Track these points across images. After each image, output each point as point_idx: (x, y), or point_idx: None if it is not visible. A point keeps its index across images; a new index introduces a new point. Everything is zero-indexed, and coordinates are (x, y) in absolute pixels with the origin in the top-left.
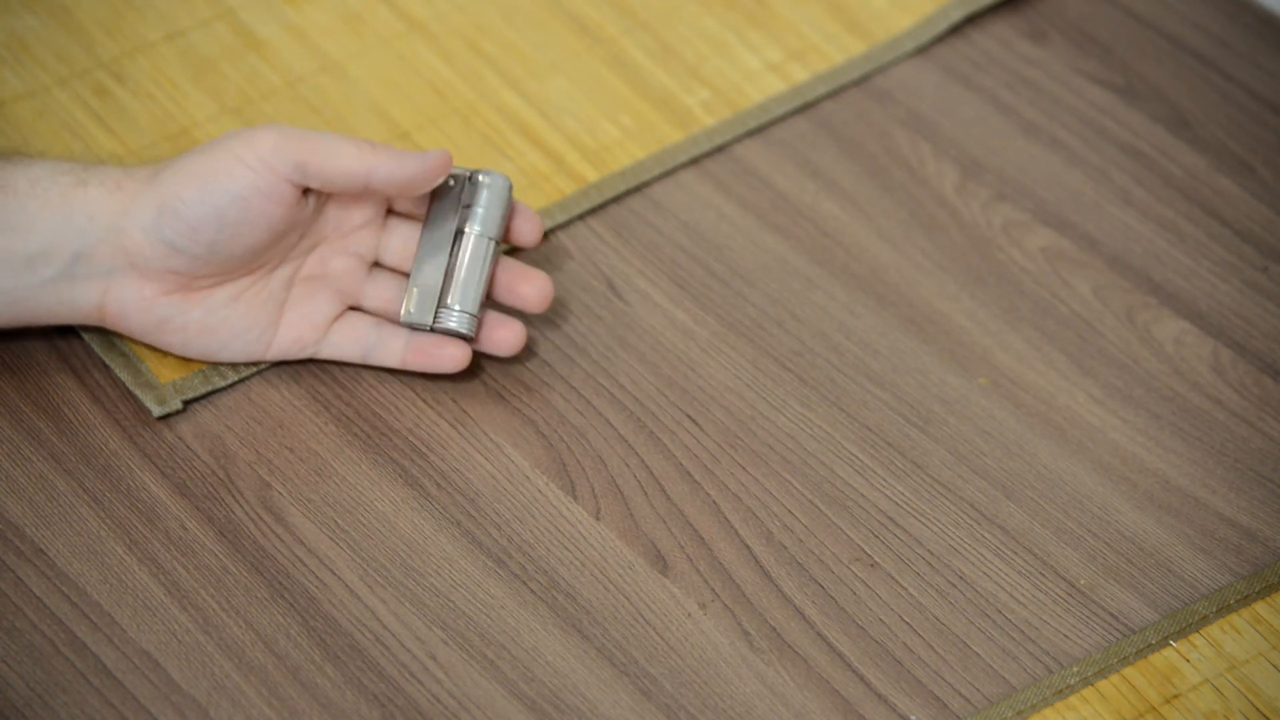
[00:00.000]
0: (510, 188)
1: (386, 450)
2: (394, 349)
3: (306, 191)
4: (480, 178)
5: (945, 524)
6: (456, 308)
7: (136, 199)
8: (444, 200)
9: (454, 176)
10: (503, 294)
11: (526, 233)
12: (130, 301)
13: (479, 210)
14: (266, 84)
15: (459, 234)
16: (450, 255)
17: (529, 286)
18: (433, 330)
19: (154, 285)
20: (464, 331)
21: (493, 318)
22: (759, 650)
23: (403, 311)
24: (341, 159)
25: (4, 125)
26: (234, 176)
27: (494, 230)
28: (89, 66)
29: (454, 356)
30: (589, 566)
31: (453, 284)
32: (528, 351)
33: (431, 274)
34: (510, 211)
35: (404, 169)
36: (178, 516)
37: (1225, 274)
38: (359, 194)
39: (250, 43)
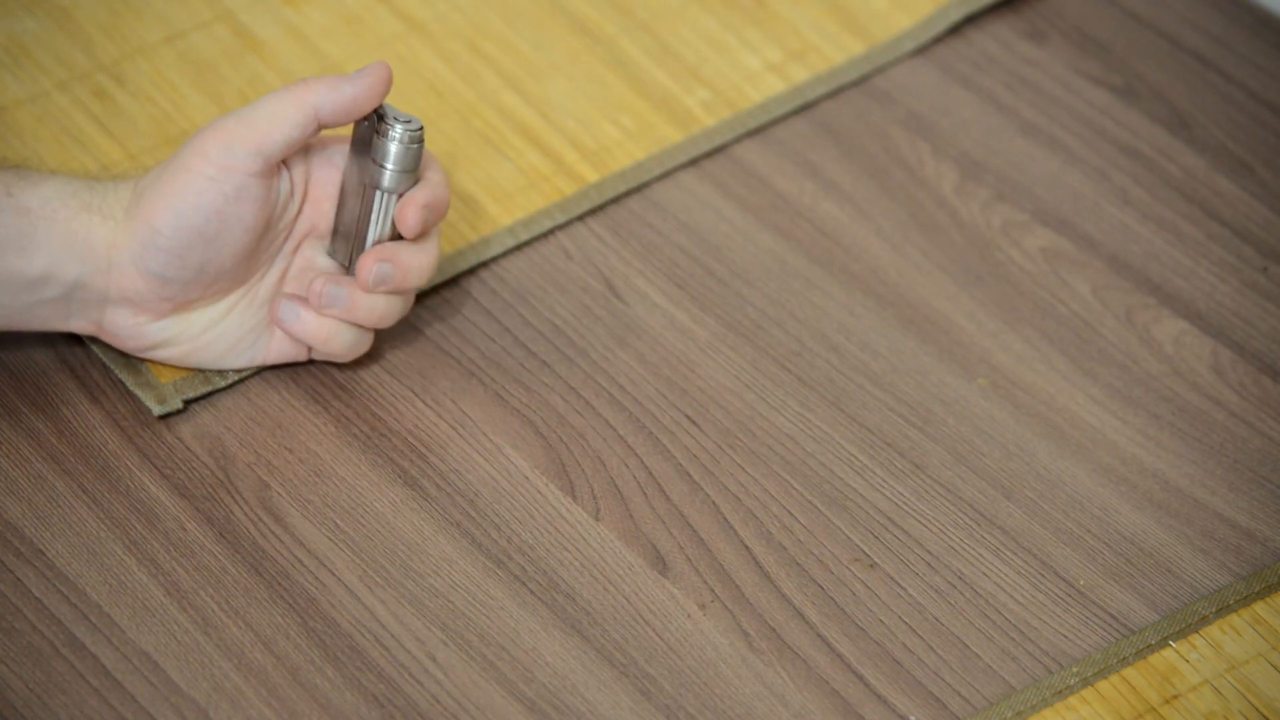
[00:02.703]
0: (418, 140)
1: (386, 451)
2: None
3: (277, 169)
4: (388, 132)
5: (945, 524)
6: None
7: (122, 231)
8: (359, 140)
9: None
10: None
11: (407, 221)
12: (125, 327)
13: (386, 169)
14: (266, 86)
15: (367, 186)
16: (361, 204)
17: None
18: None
19: (147, 314)
20: None
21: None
22: (759, 651)
23: (327, 248)
24: (287, 119)
25: (4, 131)
26: (200, 192)
27: (401, 186)
28: (89, 69)
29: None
30: (588, 567)
31: (362, 241)
32: (527, 352)
33: (346, 218)
34: (418, 164)
35: (344, 94)
36: (177, 517)
37: (1224, 274)
38: (320, 132)
39: (250, 44)
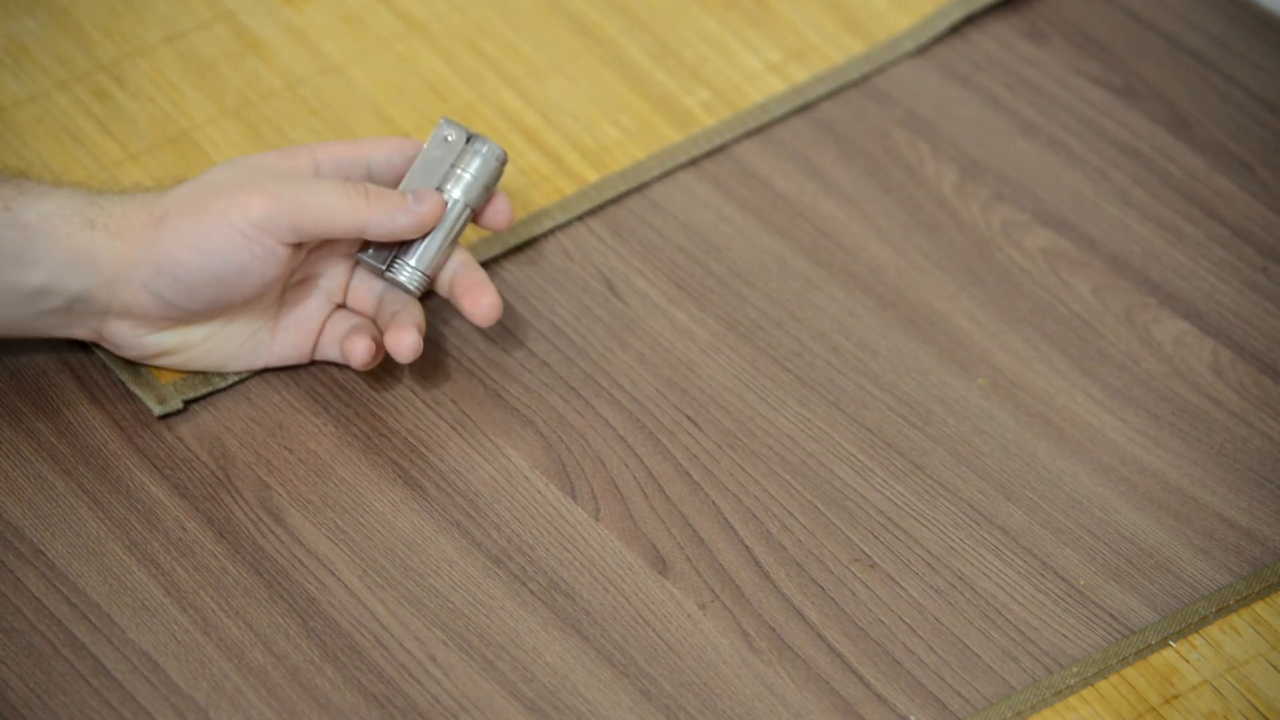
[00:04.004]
0: (503, 161)
1: (386, 451)
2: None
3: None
4: (478, 145)
5: (945, 525)
6: (412, 263)
7: (136, 252)
8: (437, 150)
9: (453, 130)
10: (456, 300)
11: (499, 216)
12: (125, 337)
13: (466, 176)
14: (266, 86)
15: (442, 191)
16: None
17: (474, 305)
18: (384, 276)
19: (148, 327)
20: (411, 288)
21: (395, 322)
22: (759, 651)
23: (359, 248)
24: (336, 218)
25: (4, 130)
26: (230, 244)
27: (473, 199)
28: (89, 69)
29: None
30: (588, 567)
31: (419, 242)
32: (527, 352)
33: None
34: (494, 186)
35: (396, 224)
36: (177, 517)
37: (1225, 274)
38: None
39: (250, 44)
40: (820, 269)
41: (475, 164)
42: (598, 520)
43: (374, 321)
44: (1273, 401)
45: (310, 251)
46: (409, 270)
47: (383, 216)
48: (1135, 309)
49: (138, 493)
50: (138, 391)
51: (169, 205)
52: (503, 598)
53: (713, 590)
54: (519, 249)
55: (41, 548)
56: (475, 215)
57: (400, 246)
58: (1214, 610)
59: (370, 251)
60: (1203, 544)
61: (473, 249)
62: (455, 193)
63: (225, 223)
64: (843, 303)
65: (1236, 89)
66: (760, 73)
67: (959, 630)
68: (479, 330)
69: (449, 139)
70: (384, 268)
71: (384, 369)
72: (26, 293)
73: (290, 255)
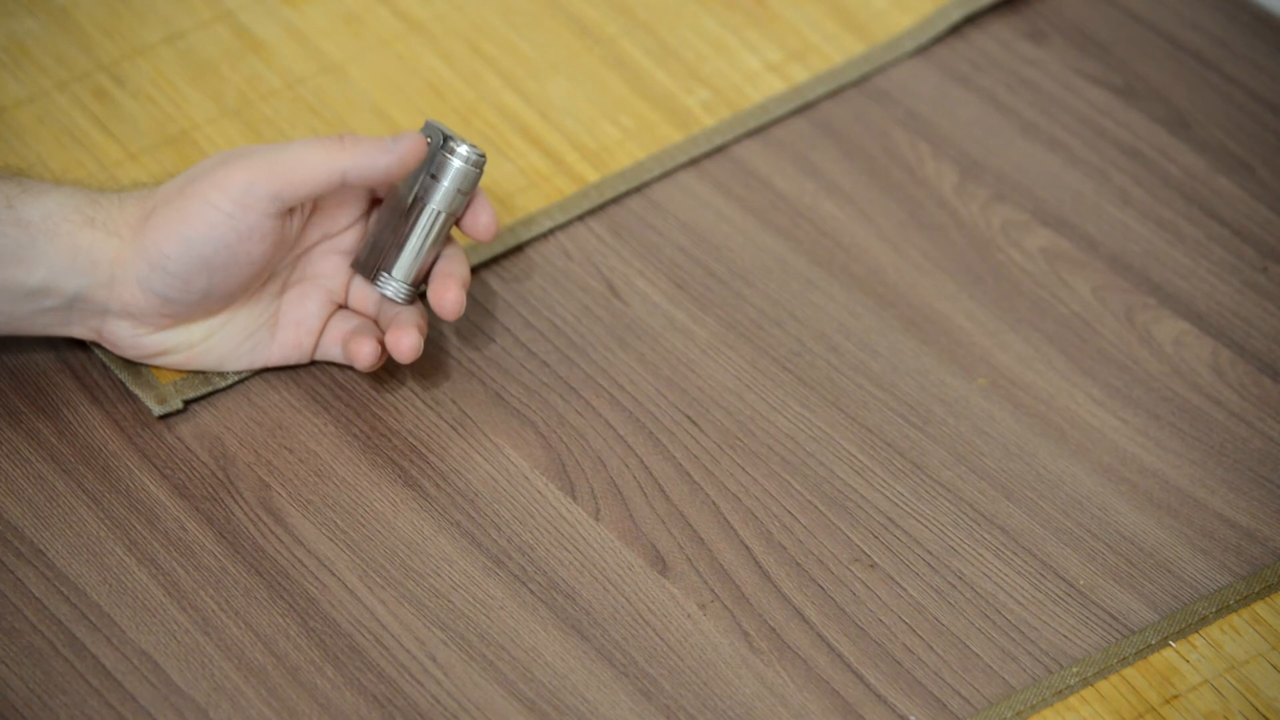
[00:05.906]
0: (479, 164)
1: (386, 451)
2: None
3: (290, 211)
4: (453, 150)
5: (945, 525)
6: (395, 276)
7: (130, 249)
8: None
9: (433, 134)
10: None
11: (481, 227)
12: (124, 337)
13: (442, 184)
14: (266, 86)
15: (418, 200)
16: (405, 219)
17: (437, 298)
18: (374, 286)
19: (147, 326)
20: (398, 300)
21: (397, 322)
22: (759, 651)
23: (353, 260)
24: (314, 174)
25: (4, 131)
26: (213, 225)
27: (450, 205)
28: (89, 69)
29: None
30: (588, 567)
31: (398, 253)
32: (527, 352)
33: (384, 233)
34: (473, 191)
35: (375, 164)
36: (177, 517)
37: (1225, 274)
38: (340, 190)
39: (250, 44)
40: (820, 269)
41: (450, 172)
42: (598, 520)
43: (375, 322)
44: (1273, 401)
45: (309, 250)
46: (394, 284)
47: (361, 159)
48: (1135, 309)
49: (138, 493)
50: (138, 391)
51: (157, 199)
52: (503, 598)
53: (713, 590)
54: (520, 248)
55: (41, 548)
56: (458, 220)
57: (381, 259)
58: (1214, 610)
59: (362, 262)
60: (1203, 544)
61: (474, 248)
62: (431, 202)
63: (205, 203)
64: (843, 303)
65: (1236, 89)
66: (760, 73)
67: (959, 630)
68: (479, 330)
69: (429, 143)
70: (370, 279)
71: (384, 369)
72: (26, 291)
73: (276, 227)
